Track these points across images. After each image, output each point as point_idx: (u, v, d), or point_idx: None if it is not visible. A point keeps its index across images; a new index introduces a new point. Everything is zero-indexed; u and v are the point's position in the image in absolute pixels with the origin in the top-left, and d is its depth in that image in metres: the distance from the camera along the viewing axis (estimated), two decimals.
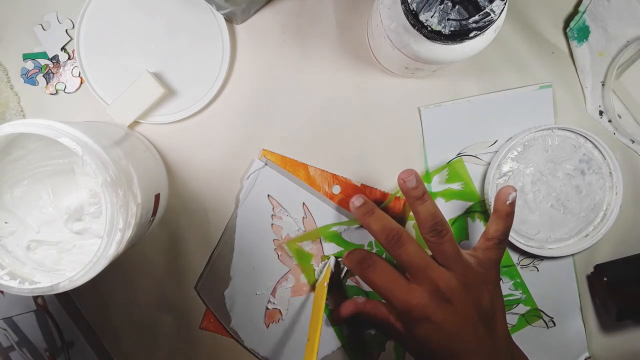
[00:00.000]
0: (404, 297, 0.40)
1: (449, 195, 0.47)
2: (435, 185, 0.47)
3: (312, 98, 0.47)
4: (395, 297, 0.40)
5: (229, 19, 0.45)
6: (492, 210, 0.46)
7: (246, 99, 0.46)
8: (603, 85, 0.46)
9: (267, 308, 0.48)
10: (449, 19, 0.31)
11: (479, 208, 0.48)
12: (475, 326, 0.40)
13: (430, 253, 0.41)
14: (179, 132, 0.46)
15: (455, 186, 0.47)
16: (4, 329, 0.46)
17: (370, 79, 0.47)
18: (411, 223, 0.48)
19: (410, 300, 0.40)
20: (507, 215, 0.41)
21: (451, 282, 0.39)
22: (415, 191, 0.40)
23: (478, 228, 0.48)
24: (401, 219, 0.48)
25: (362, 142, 0.47)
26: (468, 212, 0.48)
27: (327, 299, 0.47)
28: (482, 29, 0.32)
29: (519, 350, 0.42)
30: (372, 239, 0.47)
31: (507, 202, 0.41)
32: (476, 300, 0.40)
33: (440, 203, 0.47)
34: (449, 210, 0.48)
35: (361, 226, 0.47)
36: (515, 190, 0.41)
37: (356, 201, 0.43)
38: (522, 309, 0.49)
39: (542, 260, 0.48)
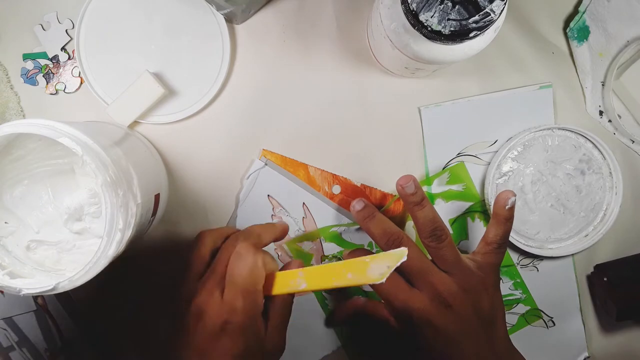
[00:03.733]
0: (404, 301, 0.40)
1: (449, 196, 0.47)
2: (436, 186, 0.47)
3: (312, 98, 0.47)
4: (397, 300, 0.40)
5: (229, 19, 0.45)
6: (491, 213, 0.46)
7: (246, 99, 0.46)
8: (603, 85, 0.46)
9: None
10: (449, 19, 0.31)
11: (479, 208, 0.48)
12: (476, 331, 0.40)
13: (430, 258, 0.41)
14: (179, 132, 0.46)
15: (456, 187, 0.47)
16: (4, 329, 0.46)
17: (370, 79, 0.47)
18: (411, 223, 0.48)
19: (411, 304, 0.40)
20: (507, 219, 0.41)
21: (451, 287, 0.39)
22: (414, 197, 0.40)
23: (478, 228, 0.48)
24: (401, 221, 0.48)
25: (362, 142, 0.47)
26: (468, 212, 0.48)
27: (327, 299, 0.47)
28: (482, 29, 0.32)
29: (519, 355, 0.42)
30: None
31: (507, 207, 0.41)
32: (476, 304, 0.40)
33: (440, 204, 0.47)
34: (449, 210, 0.48)
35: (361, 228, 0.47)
36: (514, 195, 0.41)
37: (357, 205, 0.43)
38: (522, 308, 0.49)
39: (541, 260, 0.48)
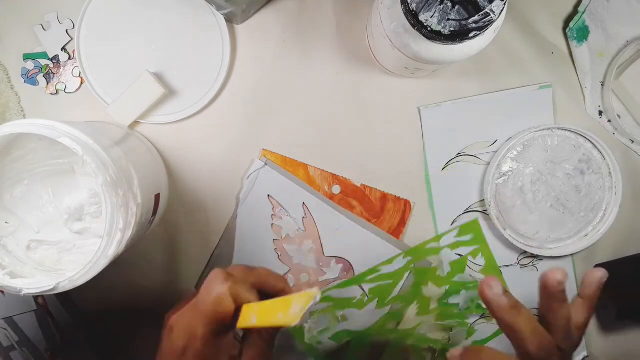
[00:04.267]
0: None
1: (456, 244, 0.48)
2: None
3: (312, 98, 0.47)
4: None
5: (229, 19, 0.45)
6: (491, 210, 0.46)
7: (246, 99, 0.46)
8: (603, 85, 0.46)
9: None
10: (448, 19, 0.31)
11: (479, 208, 0.48)
12: None
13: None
14: (179, 132, 0.46)
15: (464, 238, 0.47)
16: (5, 329, 0.46)
17: (370, 79, 0.47)
18: (408, 231, 0.48)
19: None
20: (594, 300, 0.36)
21: None
22: (563, 294, 0.34)
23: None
24: (401, 221, 0.48)
25: (362, 142, 0.47)
26: (468, 212, 0.48)
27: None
28: (481, 29, 0.32)
29: None
30: (365, 290, 0.48)
31: (596, 286, 0.36)
32: None
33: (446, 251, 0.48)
34: (451, 255, 0.48)
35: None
36: (607, 274, 0.36)
37: (495, 286, 0.34)
38: None
39: (541, 260, 0.48)
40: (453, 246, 0.48)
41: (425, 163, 0.47)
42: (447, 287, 0.48)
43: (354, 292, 0.48)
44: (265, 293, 0.35)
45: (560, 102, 0.47)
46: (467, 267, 0.48)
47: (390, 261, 0.47)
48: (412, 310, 0.48)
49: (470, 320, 0.49)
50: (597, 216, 0.47)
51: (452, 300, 0.48)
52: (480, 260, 0.48)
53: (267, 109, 0.47)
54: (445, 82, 0.47)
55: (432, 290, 0.48)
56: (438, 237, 0.48)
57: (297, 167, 0.47)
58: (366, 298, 0.48)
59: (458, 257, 0.48)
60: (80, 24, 0.44)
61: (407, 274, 0.48)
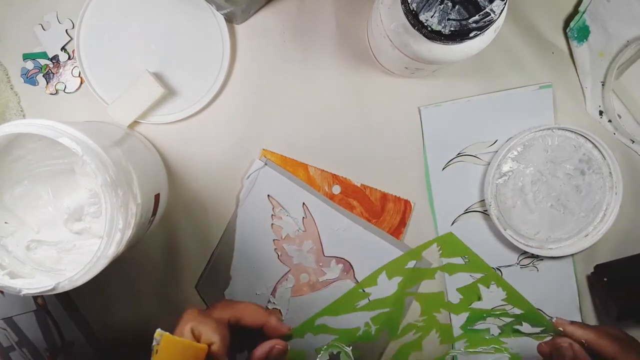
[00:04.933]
0: None
1: (451, 268, 0.48)
2: (435, 260, 0.48)
3: (312, 98, 0.47)
4: None
5: (229, 19, 0.45)
6: (492, 215, 0.46)
7: (246, 98, 0.46)
8: (603, 85, 0.46)
9: (267, 308, 0.48)
10: (449, 19, 0.31)
11: (479, 208, 0.48)
12: None
13: None
14: (179, 132, 0.46)
15: (456, 260, 0.47)
16: (4, 329, 0.46)
17: (370, 79, 0.47)
18: (410, 228, 0.48)
19: None
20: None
21: None
22: None
23: (480, 227, 0.48)
24: (401, 222, 0.48)
25: (362, 142, 0.47)
26: (468, 212, 0.48)
27: None
28: (482, 29, 0.32)
29: None
30: (366, 320, 0.47)
31: None
32: None
33: (444, 277, 0.48)
34: (455, 281, 0.48)
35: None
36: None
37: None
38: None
39: (541, 260, 0.48)
40: (449, 270, 0.48)
41: (425, 163, 0.47)
42: (468, 314, 0.48)
43: (352, 321, 0.47)
44: (245, 327, 0.37)
45: (561, 102, 0.47)
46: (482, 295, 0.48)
47: (373, 281, 0.47)
48: (432, 338, 0.48)
49: (510, 345, 0.48)
50: (598, 216, 0.47)
51: (479, 326, 0.48)
52: (496, 289, 0.48)
53: (267, 108, 0.47)
54: (445, 82, 0.47)
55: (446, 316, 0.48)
56: (417, 253, 0.47)
57: (297, 167, 0.47)
58: (373, 329, 0.47)
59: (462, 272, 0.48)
60: (80, 23, 0.44)
61: (407, 300, 0.47)
